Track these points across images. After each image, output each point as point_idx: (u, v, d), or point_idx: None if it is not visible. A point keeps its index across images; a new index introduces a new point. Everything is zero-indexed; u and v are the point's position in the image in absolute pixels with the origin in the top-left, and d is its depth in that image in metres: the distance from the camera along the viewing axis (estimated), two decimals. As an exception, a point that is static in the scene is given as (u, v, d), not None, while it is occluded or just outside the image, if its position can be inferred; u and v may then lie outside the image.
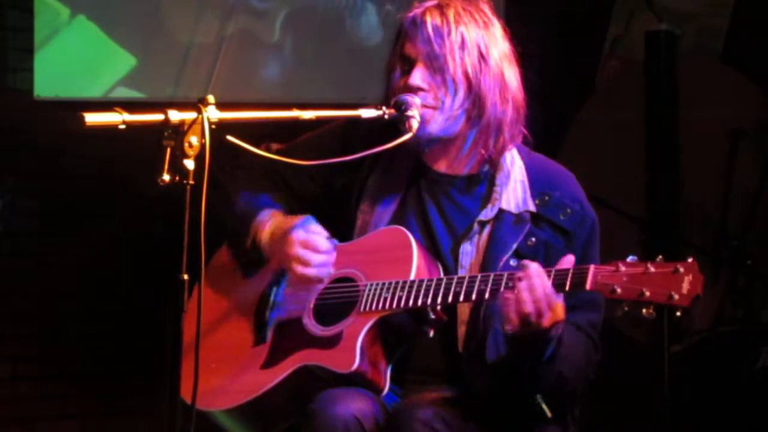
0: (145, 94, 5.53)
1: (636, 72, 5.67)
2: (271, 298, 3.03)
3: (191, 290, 2.42)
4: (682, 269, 2.56)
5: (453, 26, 2.87)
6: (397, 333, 2.88)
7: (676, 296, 2.54)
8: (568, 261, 2.70)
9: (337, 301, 2.93)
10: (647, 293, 2.56)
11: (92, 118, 2.33)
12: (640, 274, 2.58)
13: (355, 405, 2.76)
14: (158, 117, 2.38)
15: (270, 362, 2.95)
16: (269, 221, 3.01)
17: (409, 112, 2.85)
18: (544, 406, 2.87)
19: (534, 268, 2.67)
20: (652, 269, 2.58)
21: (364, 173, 3.01)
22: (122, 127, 2.34)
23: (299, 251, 2.91)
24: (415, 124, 2.85)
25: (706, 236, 5.28)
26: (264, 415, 2.95)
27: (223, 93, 5.30)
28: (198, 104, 2.41)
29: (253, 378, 2.94)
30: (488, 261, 2.86)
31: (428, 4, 2.93)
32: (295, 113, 2.71)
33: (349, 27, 5.68)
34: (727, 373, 4.71)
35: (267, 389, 2.90)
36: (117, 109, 2.35)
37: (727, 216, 5.30)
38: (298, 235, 2.92)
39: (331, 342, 2.87)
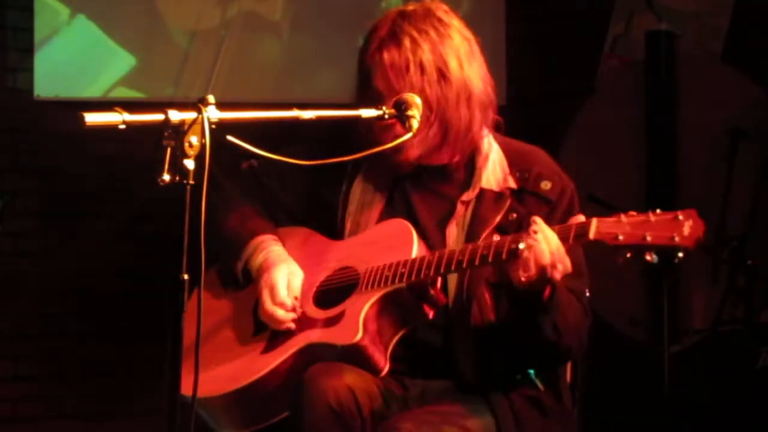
0: (144, 94, 5.53)
1: (636, 72, 5.67)
2: None
3: (191, 291, 2.43)
4: (681, 216, 2.65)
5: (410, 57, 2.90)
6: (399, 313, 2.89)
7: (678, 237, 2.63)
8: (575, 219, 2.75)
9: (339, 286, 2.95)
10: (649, 237, 2.63)
11: (92, 118, 2.32)
12: (642, 222, 2.66)
13: (349, 377, 2.77)
14: (158, 117, 2.38)
15: (271, 347, 2.96)
16: (262, 249, 3.04)
17: (410, 112, 2.86)
18: (537, 380, 2.92)
19: (542, 222, 2.73)
20: (653, 218, 2.66)
21: (349, 178, 3.05)
22: (122, 127, 2.34)
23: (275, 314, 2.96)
24: (415, 124, 2.86)
25: (706, 236, 5.27)
26: (262, 401, 2.93)
27: (223, 92, 5.31)
28: (198, 104, 2.41)
29: (253, 361, 2.94)
30: (471, 237, 2.91)
31: (382, 33, 2.94)
32: (295, 113, 2.71)
33: (351, 23, 5.68)
34: (727, 373, 4.70)
35: (268, 370, 2.90)
36: (117, 109, 2.35)
37: (727, 216, 5.29)
38: (270, 298, 2.97)
39: (333, 321, 2.89)
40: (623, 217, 2.68)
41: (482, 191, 2.97)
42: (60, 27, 5.42)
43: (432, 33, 2.93)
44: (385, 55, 2.91)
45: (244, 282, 3.08)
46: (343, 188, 3.05)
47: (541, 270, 2.71)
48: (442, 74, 2.91)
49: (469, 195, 2.97)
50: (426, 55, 2.91)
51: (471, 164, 3.01)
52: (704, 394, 4.74)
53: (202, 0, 5.63)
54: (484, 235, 2.88)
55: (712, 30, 5.72)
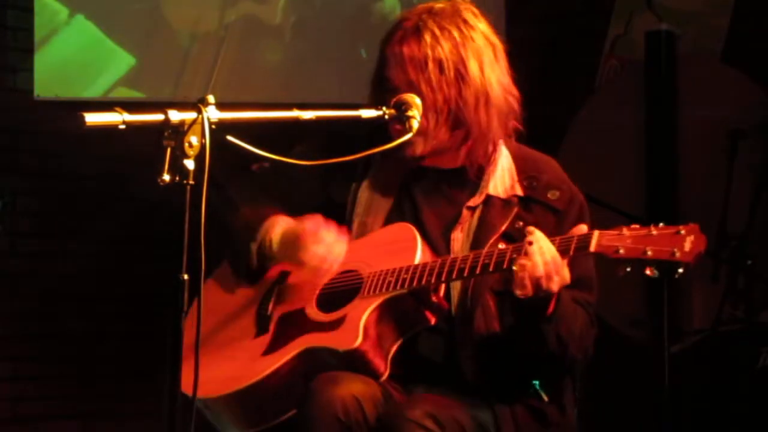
0: (144, 94, 5.53)
1: (636, 72, 5.67)
2: (273, 295, 3.05)
3: (191, 292, 2.43)
4: (683, 231, 2.66)
5: (429, 53, 2.90)
6: (400, 319, 2.89)
7: (678, 253, 2.63)
8: (578, 230, 2.75)
9: (341, 290, 2.95)
10: (650, 252, 2.63)
11: (92, 118, 2.33)
12: (644, 236, 2.66)
13: (355, 386, 2.78)
14: (158, 117, 2.38)
15: (272, 349, 2.96)
16: (278, 224, 3.02)
17: (410, 112, 2.87)
18: (541, 392, 2.91)
19: (539, 232, 2.73)
20: (655, 232, 2.66)
21: (359, 178, 3.05)
22: (122, 127, 2.35)
23: (316, 251, 2.93)
24: (415, 124, 2.87)
25: (707, 236, 5.27)
26: (264, 403, 2.94)
27: (223, 93, 5.30)
28: (198, 104, 2.41)
29: (254, 364, 2.95)
30: (477, 243, 2.90)
31: (406, 25, 2.94)
32: (295, 113, 2.72)
33: (353, 25, 5.68)
34: (727, 373, 4.70)
35: (268, 373, 2.91)
36: (117, 109, 2.35)
37: (727, 216, 5.29)
38: (311, 237, 2.94)
39: (334, 325, 2.89)
40: (625, 230, 2.68)
41: (489, 197, 2.96)
42: (59, 27, 5.42)
43: (455, 33, 2.93)
44: (405, 49, 2.91)
45: (258, 265, 3.06)
46: (352, 188, 3.05)
47: (536, 283, 2.70)
48: (461, 75, 2.91)
49: (476, 201, 2.97)
50: (445, 53, 2.90)
51: (480, 169, 3.00)
52: (704, 394, 4.73)
53: (203, 0, 5.63)
54: (489, 242, 2.87)
55: (712, 30, 5.72)
